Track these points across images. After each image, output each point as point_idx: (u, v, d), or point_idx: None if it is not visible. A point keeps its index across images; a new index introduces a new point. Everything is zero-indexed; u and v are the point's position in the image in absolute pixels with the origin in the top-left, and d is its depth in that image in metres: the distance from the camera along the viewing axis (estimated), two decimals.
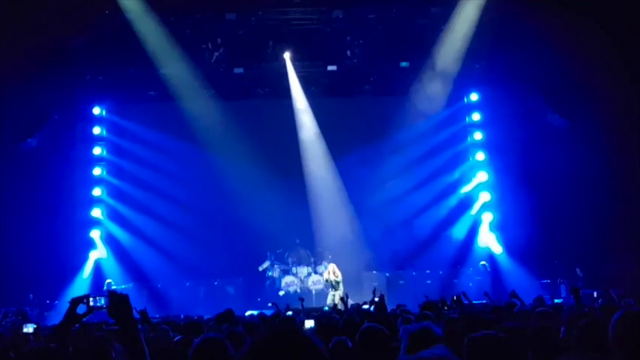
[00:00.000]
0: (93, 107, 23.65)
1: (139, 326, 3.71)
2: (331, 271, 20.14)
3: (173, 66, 21.18)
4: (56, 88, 20.51)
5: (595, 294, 16.52)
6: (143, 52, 20.58)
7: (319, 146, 22.93)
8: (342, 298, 13.73)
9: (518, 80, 21.35)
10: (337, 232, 22.08)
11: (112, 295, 3.56)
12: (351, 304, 13.31)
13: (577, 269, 19.43)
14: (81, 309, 3.68)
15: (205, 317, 11.70)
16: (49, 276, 20.01)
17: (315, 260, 22.53)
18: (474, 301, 12.21)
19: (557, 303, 13.88)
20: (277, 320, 8.57)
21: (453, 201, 23.51)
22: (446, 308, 10.50)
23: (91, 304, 3.69)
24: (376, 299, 10.16)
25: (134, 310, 3.63)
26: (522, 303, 10.32)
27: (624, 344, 3.44)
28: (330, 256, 21.78)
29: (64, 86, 21.06)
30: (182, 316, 14.10)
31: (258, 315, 11.15)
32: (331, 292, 19.93)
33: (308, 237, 22.47)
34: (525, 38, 19.84)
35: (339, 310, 13.21)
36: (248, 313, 14.69)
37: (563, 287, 19.59)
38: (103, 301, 3.67)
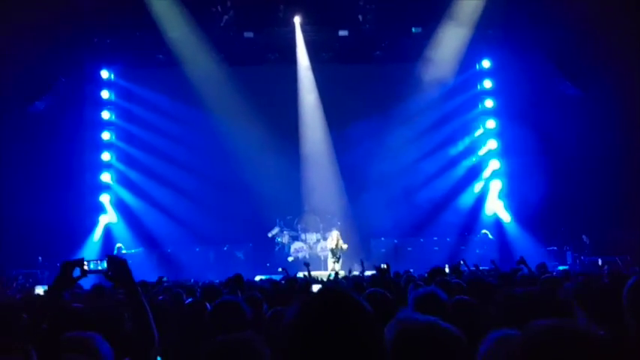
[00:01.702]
0: (101, 70, 23.59)
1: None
2: (334, 240, 20.26)
3: (182, 29, 20.96)
4: (64, 51, 20.46)
5: (600, 261, 16.64)
6: (151, 14, 20.46)
7: (328, 113, 22.89)
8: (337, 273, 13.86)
9: (531, 47, 21.12)
10: (346, 199, 22.20)
11: (111, 260, 3.66)
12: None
13: (583, 236, 19.48)
14: (76, 273, 3.76)
15: (216, 282, 11.82)
16: (59, 239, 20.12)
17: (324, 227, 22.62)
18: (481, 267, 12.29)
19: (562, 270, 13.96)
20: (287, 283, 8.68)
21: (462, 169, 23.50)
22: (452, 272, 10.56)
23: (87, 267, 3.76)
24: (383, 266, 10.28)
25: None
26: (529, 270, 10.35)
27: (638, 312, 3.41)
28: (339, 223, 21.90)
29: (72, 49, 20.96)
30: (192, 281, 14.23)
31: (268, 280, 11.30)
32: (331, 260, 20.10)
33: (317, 204, 22.54)
34: (539, 4, 19.68)
35: (346, 276, 13.33)
36: (257, 278, 14.86)
37: (569, 254, 19.68)
38: (102, 265, 3.74)
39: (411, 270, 13.19)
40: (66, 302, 5.10)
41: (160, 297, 7.14)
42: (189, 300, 5.79)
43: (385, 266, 10.29)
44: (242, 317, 3.96)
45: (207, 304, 4.85)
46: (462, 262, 12.01)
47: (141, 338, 3.51)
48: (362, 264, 12.89)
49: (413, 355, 2.23)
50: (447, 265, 12.53)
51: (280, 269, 14.83)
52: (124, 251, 21.06)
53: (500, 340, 2.51)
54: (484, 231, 22.15)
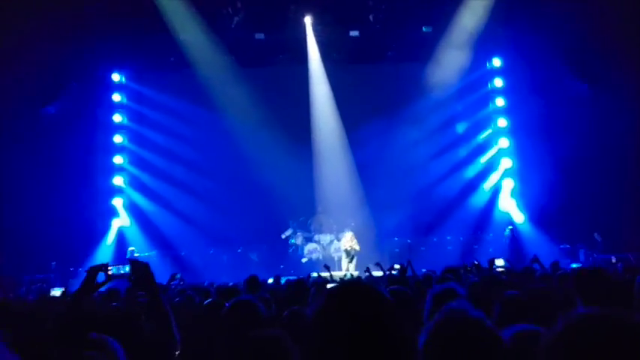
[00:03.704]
0: (112, 74, 23.71)
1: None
2: (349, 241, 20.25)
3: (193, 32, 20.99)
4: (76, 54, 20.49)
5: (614, 259, 16.56)
6: (162, 17, 20.46)
7: (340, 114, 22.90)
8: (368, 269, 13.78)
9: (542, 45, 21.02)
10: (359, 199, 22.16)
11: (134, 263, 3.70)
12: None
13: (595, 234, 19.42)
14: (100, 277, 3.81)
15: (230, 284, 11.82)
16: (72, 243, 20.20)
17: (337, 227, 22.58)
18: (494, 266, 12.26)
19: (575, 268, 13.89)
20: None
21: (474, 168, 23.47)
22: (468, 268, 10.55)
23: (111, 272, 3.80)
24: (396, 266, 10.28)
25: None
26: (543, 268, 10.33)
27: None
28: (352, 224, 21.87)
29: (84, 53, 20.99)
30: (206, 284, 14.24)
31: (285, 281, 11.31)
32: (345, 261, 20.10)
33: (330, 204, 22.52)
34: (549, 2, 19.62)
35: (359, 277, 13.30)
36: (271, 280, 14.85)
37: (581, 252, 19.61)
38: (126, 269, 3.79)
39: (423, 269, 13.13)
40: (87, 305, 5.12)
41: (177, 299, 7.18)
42: (208, 300, 5.83)
43: (398, 265, 10.30)
44: (258, 317, 3.98)
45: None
46: (475, 263, 11.98)
47: (162, 341, 3.54)
48: (380, 267, 12.81)
49: (451, 347, 2.25)
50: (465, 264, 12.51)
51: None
52: (136, 254, 21.07)
53: (520, 335, 2.50)
54: (510, 227, 21.91)
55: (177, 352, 3.63)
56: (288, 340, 2.51)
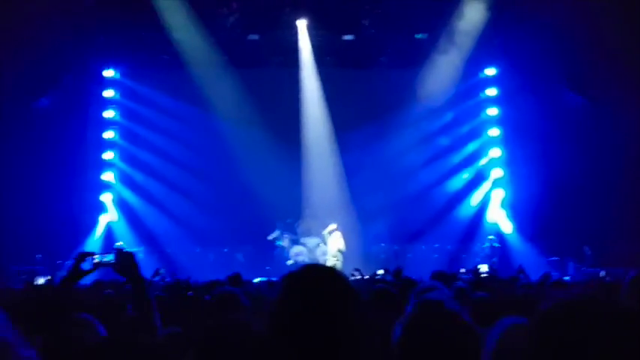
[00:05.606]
0: (107, 69, 23.58)
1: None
2: (338, 240, 20.18)
3: (187, 30, 20.92)
4: (69, 48, 20.38)
5: (602, 273, 16.60)
6: (157, 14, 20.38)
7: (330, 118, 22.88)
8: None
9: (536, 55, 21.08)
10: (347, 204, 22.15)
11: (120, 252, 3.69)
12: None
13: (585, 248, 19.44)
14: (86, 265, 3.79)
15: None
16: (59, 237, 20.10)
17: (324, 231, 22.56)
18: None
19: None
20: None
21: (464, 177, 23.49)
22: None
23: (97, 260, 3.79)
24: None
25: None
26: (527, 279, 10.36)
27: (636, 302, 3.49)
28: (340, 228, 21.85)
29: (77, 47, 20.88)
30: (190, 282, 14.21)
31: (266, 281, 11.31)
32: (330, 263, 20.02)
33: (318, 208, 22.49)
34: (546, 12, 19.65)
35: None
36: (256, 280, 14.85)
37: (570, 265, 19.63)
38: (110, 257, 3.77)
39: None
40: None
41: (157, 292, 7.16)
42: (190, 293, 5.82)
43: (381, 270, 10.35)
44: (239, 305, 3.96)
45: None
46: (462, 271, 12.04)
47: (143, 330, 3.52)
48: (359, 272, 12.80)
49: (425, 338, 2.25)
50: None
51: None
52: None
53: (511, 327, 2.50)
54: (490, 237, 21.94)
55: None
56: (259, 326, 2.49)
